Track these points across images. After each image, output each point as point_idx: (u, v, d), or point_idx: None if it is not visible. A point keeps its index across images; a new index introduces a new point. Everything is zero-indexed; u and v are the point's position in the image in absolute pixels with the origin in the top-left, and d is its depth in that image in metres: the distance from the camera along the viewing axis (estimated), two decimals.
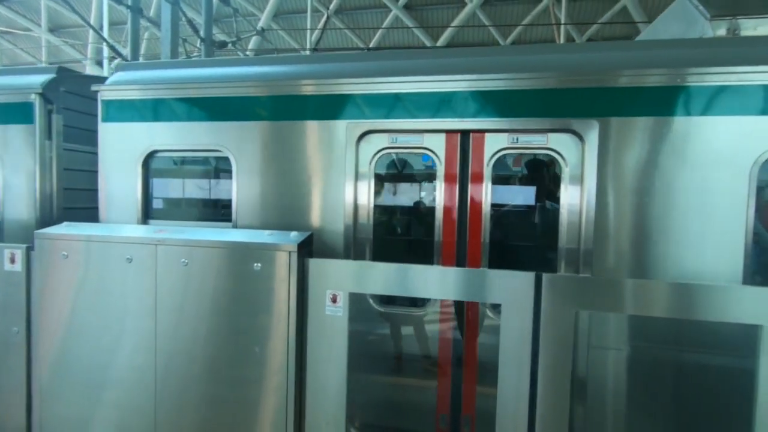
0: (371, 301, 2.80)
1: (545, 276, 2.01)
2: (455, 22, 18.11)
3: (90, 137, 3.61)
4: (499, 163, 2.62)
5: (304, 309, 2.33)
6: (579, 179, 2.48)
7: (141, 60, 10.75)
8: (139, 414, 2.53)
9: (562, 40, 16.54)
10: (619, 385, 2.39)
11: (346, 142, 2.72)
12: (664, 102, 2.34)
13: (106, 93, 3.05)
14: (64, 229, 2.74)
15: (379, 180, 2.79)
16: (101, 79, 3.39)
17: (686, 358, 2.32)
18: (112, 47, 9.06)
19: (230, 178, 2.90)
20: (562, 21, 15.94)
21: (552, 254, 2.55)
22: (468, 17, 17.77)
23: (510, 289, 2.06)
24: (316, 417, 2.34)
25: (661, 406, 2.33)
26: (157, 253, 2.48)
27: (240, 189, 2.86)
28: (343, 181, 2.73)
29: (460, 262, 2.64)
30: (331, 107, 2.73)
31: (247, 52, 18.33)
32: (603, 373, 2.40)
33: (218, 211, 3.04)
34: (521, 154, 2.65)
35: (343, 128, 2.72)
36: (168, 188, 3.08)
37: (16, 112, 3.20)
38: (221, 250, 2.43)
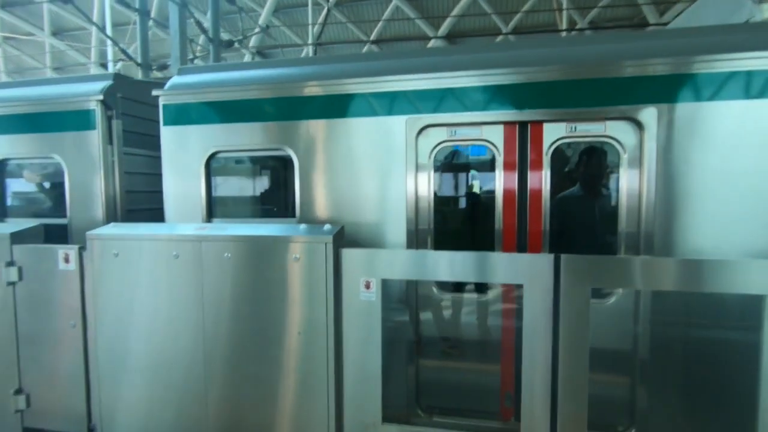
0: (434, 288, 2.93)
1: (563, 257, 2.15)
2: (456, 10, 18.03)
3: (144, 140, 3.73)
4: (558, 152, 2.73)
5: (339, 295, 2.47)
6: (638, 165, 2.59)
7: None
8: (190, 394, 2.67)
9: (564, 25, 16.50)
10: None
11: (406, 137, 2.83)
12: (720, 87, 2.44)
13: (167, 97, 3.15)
14: (113, 229, 2.86)
15: (439, 172, 2.90)
16: (155, 85, 3.49)
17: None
18: (123, 51, 9.11)
19: (292, 175, 3.01)
20: (564, 5, 15.88)
21: (612, 239, 2.67)
22: (469, 4, 17.70)
23: (531, 271, 2.20)
24: (354, 394, 2.49)
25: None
26: (201, 248, 2.61)
27: (303, 185, 2.98)
28: (404, 175, 2.84)
29: (521, 250, 2.76)
30: (390, 103, 2.83)
31: (251, 49, 18.32)
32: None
33: (282, 207, 3.16)
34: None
35: (402, 123, 2.83)
36: (231, 187, 3.19)
37: (78, 119, 3.31)
38: (261, 244, 2.55)
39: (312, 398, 2.52)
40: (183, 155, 3.16)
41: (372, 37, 19.57)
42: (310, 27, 17.33)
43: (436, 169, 2.89)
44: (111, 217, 3.39)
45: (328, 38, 19.23)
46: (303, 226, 2.65)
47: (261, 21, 17.05)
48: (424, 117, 2.80)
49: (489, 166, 2.83)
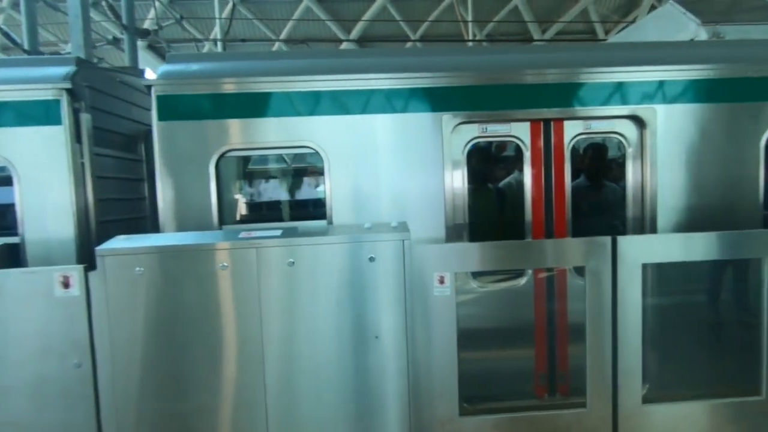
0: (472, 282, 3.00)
1: (620, 238, 2.45)
2: (367, 15, 18.46)
3: (113, 139, 3.14)
4: (575, 147, 3.01)
5: (412, 293, 2.44)
6: (640, 158, 2.98)
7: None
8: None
9: (470, 36, 17.97)
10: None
11: (442, 133, 2.85)
12: (710, 91, 2.93)
13: (163, 88, 2.70)
14: (127, 242, 2.41)
15: (471, 167, 2.98)
16: (129, 72, 2.97)
17: None
18: (6, 35, 7.47)
19: (318, 174, 2.82)
20: (468, 17, 17.29)
21: (620, 222, 3.03)
22: (379, 11, 18.24)
23: (591, 252, 2.46)
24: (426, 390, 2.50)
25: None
26: (257, 256, 2.35)
27: (334, 185, 2.80)
28: (440, 171, 2.86)
29: (548, 236, 2.98)
30: (427, 100, 2.83)
31: (150, 40, 16.41)
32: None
33: (307, 209, 2.93)
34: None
35: (438, 120, 2.84)
36: (246, 189, 2.87)
37: (36, 112, 2.66)
38: (331, 247, 2.39)
39: (394, 395, 2.43)
40: (185, 154, 2.75)
41: (282, 36, 18.97)
42: (217, 21, 16.14)
43: (469, 163, 2.96)
44: (83, 230, 2.79)
45: (233, 35, 18.13)
46: (367, 224, 2.50)
47: (158, 12, 15.37)
48: (458, 114, 2.86)
49: (517, 160, 2.99)
